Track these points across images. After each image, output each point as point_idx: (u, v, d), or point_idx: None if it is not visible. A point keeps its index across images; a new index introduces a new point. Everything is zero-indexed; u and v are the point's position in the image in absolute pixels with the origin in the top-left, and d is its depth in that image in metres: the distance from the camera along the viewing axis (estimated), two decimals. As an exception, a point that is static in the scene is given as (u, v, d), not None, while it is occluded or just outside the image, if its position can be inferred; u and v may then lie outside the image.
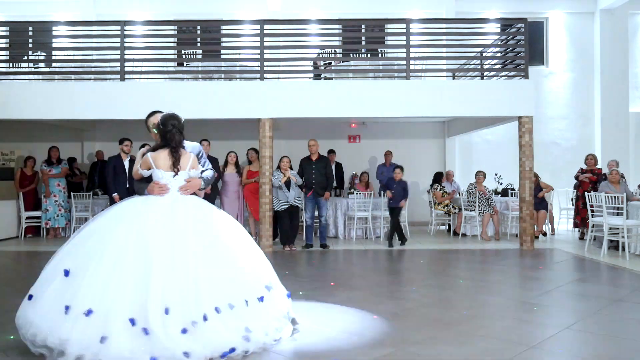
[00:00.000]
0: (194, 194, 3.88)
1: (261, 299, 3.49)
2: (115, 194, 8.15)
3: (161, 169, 3.70)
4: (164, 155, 3.74)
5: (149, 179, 3.78)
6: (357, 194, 9.57)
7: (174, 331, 3.08)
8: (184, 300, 3.18)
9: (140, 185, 3.87)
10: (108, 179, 8.24)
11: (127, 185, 8.32)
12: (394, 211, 8.63)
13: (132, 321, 3.06)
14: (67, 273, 3.26)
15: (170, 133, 3.74)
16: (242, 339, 3.24)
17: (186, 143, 4.03)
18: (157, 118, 3.92)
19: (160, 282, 3.17)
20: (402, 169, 8.81)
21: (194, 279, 3.26)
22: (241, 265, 3.53)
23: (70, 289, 3.20)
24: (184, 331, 3.09)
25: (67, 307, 3.13)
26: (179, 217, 3.50)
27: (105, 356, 2.98)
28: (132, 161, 8.49)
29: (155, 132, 3.90)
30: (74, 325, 3.08)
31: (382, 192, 10.23)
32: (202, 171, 4.01)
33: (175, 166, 3.71)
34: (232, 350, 3.17)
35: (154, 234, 3.36)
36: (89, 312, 3.08)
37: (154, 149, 3.80)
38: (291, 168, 8.39)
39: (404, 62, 8.56)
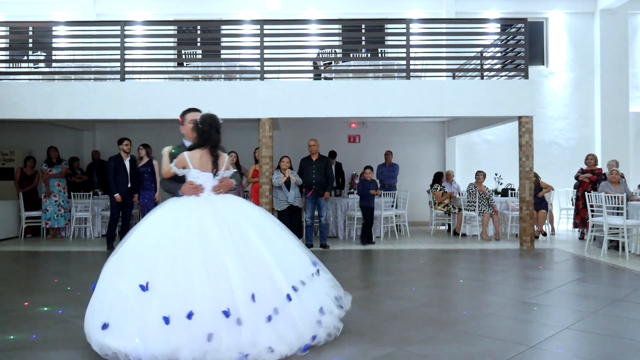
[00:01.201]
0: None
1: (317, 272, 3.70)
2: (117, 194, 8.15)
3: (197, 169, 3.70)
4: (200, 155, 3.73)
5: (180, 179, 3.76)
6: (357, 194, 9.57)
7: (260, 320, 3.14)
8: (265, 286, 3.25)
9: (170, 185, 3.85)
10: (109, 179, 8.25)
11: (129, 185, 8.34)
12: (372, 210, 8.83)
13: (226, 313, 3.08)
14: (144, 288, 3.13)
15: (208, 133, 3.74)
16: (316, 325, 3.42)
17: None
18: (194, 116, 3.92)
19: (238, 274, 3.21)
20: (372, 168, 9.02)
21: (266, 267, 3.34)
22: (292, 247, 3.70)
23: (157, 301, 3.09)
24: (269, 319, 3.18)
25: (165, 318, 3.03)
26: (227, 213, 3.55)
27: (215, 354, 3.00)
28: (132, 161, 8.50)
29: (190, 128, 3.90)
30: (179, 332, 3.02)
31: (381, 191, 10.23)
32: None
33: (215, 166, 3.73)
34: (314, 337, 3.36)
35: (212, 231, 3.37)
36: (190, 315, 3.04)
37: (190, 149, 3.79)
38: (291, 168, 8.39)
39: (404, 62, 8.56)
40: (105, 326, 3.16)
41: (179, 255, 3.24)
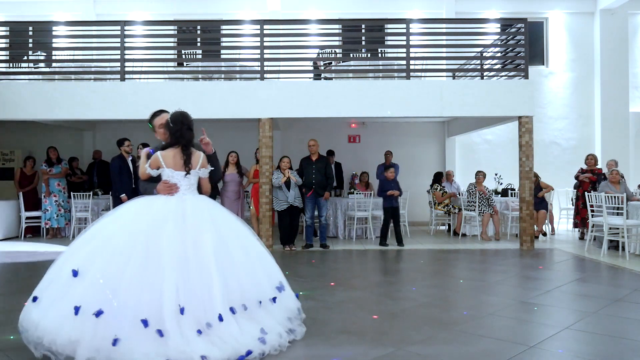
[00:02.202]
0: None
1: (273, 299, 3.51)
2: (124, 194, 8.15)
3: (170, 168, 3.65)
4: (173, 154, 3.68)
5: (157, 179, 3.71)
6: (357, 194, 9.57)
7: (190, 333, 3.01)
8: (199, 300, 3.12)
9: (146, 186, 3.80)
10: (114, 180, 8.24)
11: (133, 186, 8.35)
12: (396, 211, 8.64)
13: (145, 322, 2.97)
14: (75, 273, 3.13)
15: (180, 131, 3.69)
16: (258, 341, 3.21)
17: (196, 143, 3.99)
18: (163, 118, 3.86)
19: (173, 282, 3.10)
20: (395, 167, 8.90)
21: (207, 279, 3.20)
22: (252, 267, 3.50)
23: (79, 289, 3.08)
24: (199, 332, 3.04)
25: (76, 308, 3.01)
26: (189, 217, 3.43)
27: (121, 358, 2.90)
28: (133, 161, 8.50)
29: (162, 131, 3.84)
30: (84, 327, 2.97)
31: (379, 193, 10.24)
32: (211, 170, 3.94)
33: (186, 165, 3.65)
34: (249, 352, 3.12)
35: (165, 233, 3.28)
36: (98, 313, 2.97)
37: (163, 148, 3.73)
38: (291, 168, 8.39)
39: (404, 62, 8.56)
40: (35, 299, 3.23)
41: (120, 251, 3.18)
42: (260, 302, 3.40)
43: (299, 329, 3.66)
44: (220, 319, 3.12)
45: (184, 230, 3.34)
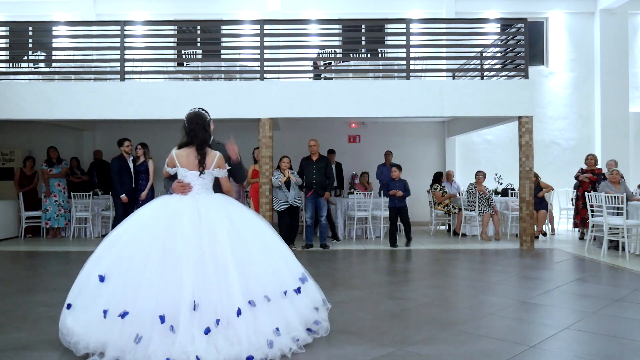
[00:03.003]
0: (221, 191, 3.86)
1: (298, 290, 3.49)
2: (123, 194, 8.15)
3: (184, 167, 3.67)
4: (187, 153, 3.71)
5: (175, 177, 3.75)
6: (357, 193, 9.58)
7: (197, 331, 3.04)
8: (214, 295, 3.15)
9: (167, 184, 3.86)
10: (115, 180, 8.25)
11: (133, 186, 8.36)
12: (401, 211, 8.59)
13: (162, 318, 3.05)
14: (102, 279, 3.27)
15: (194, 131, 3.71)
16: (265, 345, 3.15)
17: (221, 144, 4.05)
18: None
19: (190, 280, 3.15)
20: (399, 167, 8.77)
21: (225, 275, 3.22)
22: (272, 259, 3.51)
23: (106, 293, 3.22)
24: (207, 331, 3.06)
25: (105, 312, 3.15)
26: (204, 214, 3.47)
27: (139, 355, 3.00)
28: (134, 161, 8.51)
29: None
30: (111, 329, 3.10)
31: (381, 192, 10.23)
32: (234, 171, 4.00)
33: (201, 165, 3.66)
34: (249, 358, 3.08)
35: (180, 231, 3.33)
36: (124, 314, 3.09)
37: (179, 147, 3.77)
38: (291, 168, 8.39)
39: (404, 62, 8.56)
40: (69, 306, 3.39)
41: (140, 253, 3.27)
42: (285, 292, 3.38)
43: (324, 323, 3.63)
44: (239, 313, 3.13)
45: (199, 228, 3.37)
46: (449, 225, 10.41)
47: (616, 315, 4.33)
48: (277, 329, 3.24)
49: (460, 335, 3.79)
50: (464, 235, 9.85)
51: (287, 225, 8.25)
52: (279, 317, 3.30)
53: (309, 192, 8.34)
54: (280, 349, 3.21)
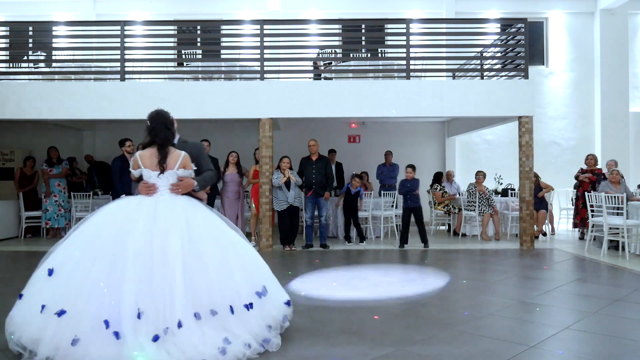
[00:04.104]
0: (189, 194, 3.71)
1: (249, 305, 3.28)
2: (124, 195, 8.13)
3: (148, 168, 3.58)
4: (150, 154, 3.61)
5: (141, 179, 3.66)
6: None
7: (145, 339, 2.94)
8: (159, 304, 3.03)
9: (135, 185, 3.77)
10: (115, 180, 8.24)
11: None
12: (415, 211, 8.48)
13: (107, 323, 2.95)
14: (50, 272, 3.21)
15: (155, 130, 3.61)
16: (217, 352, 3.03)
17: (189, 142, 3.96)
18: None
19: (134, 286, 3.05)
20: (413, 167, 8.66)
21: (171, 283, 3.10)
22: (228, 270, 3.34)
23: (50, 288, 3.15)
24: (156, 338, 2.95)
25: (42, 306, 3.07)
26: (160, 218, 3.35)
27: (77, 358, 2.90)
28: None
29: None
30: (46, 325, 3.01)
31: (381, 192, 10.23)
32: (202, 171, 3.87)
33: (161, 164, 3.55)
34: None
35: (132, 235, 3.23)
36: (61, 313, 3.00)
37: (142, 147, 3.67)
38: (291, 168, 8.39)
39: (404, 62, 8.56)
40: (20, 296, 3.34)
41: (89, 253, 3.21)
42: (232, 307, 3.20)
43: (274, 340, 3.37)
44: (180, 325, 3.00)
45: (152, 232, 3.26)
46: (449, 225, 10.41)
47: (616, 315, 4.33)
48: (226, 337, 3.10)
49: (460, 335, 3.79)
50: (464, 235, 9.85)
51: (287, 225, 8.25)
52: (224, 331, 3.14)
53: (308, 192, 8.34)
54: (235, 355, 3.08)
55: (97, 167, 10.96)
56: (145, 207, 3.43)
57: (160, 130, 3.62)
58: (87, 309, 3.00)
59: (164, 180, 3.57)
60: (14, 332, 3.13)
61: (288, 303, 3.69)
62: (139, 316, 2.98)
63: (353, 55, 10.11)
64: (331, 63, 9.88)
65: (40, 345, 2.98)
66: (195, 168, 3.75)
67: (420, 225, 8.51)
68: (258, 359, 3.24)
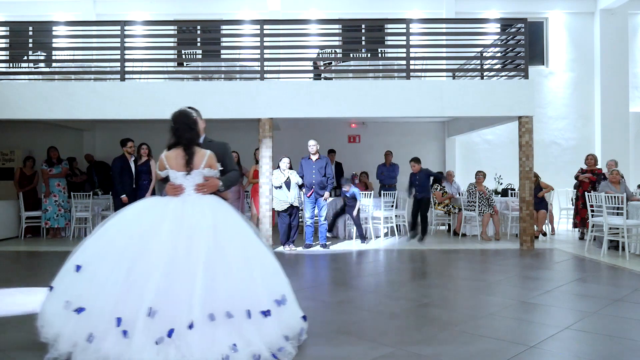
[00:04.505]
0: (215, 194, 3.69)
1: (267, 312, 3.20)
2: (124, 195, 8.15)
3: (174, 169, 3.57)
4: (175, 154, 3.60)
5: (168, 180, 3.65)
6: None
7: (148, 340, 2.92)
8: (175, 304, 3.02)
9: (161, 186, 3.75)
10: (116, 180, 8.24)
11: (134, 186, 8.37)
12: (421, 201, 8.58)
13: (119, 321, 2.98)
14: (78, 268, 3.25)
15: (179, 131, 3.60)
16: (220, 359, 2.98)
17: (214, 142, 3.97)
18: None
19: (154, 285, 3.04)
20: (417, 160, 8.76)
21: (191, 284, 3.08)
22: (250, 275, 3.29)
23: (76, 284, 3.20)
24: (158, 341, 2.92)
25: (67, 302, 3.13)
26: (187, 219, 3.33)
27: (90, 355, 2.95)
28: (135, 161, 8.52)
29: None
30: (67, 321, 3.08)
31: (381, 192, 10.23)
32: (227, 171, 3.86)
33: (188, 165, 3.54)
34: None
35: (158, 235, 3.23)
36: (80, 310, 3.05)
37: (168, 148, 3.66)
38: (291, 168, 8.39)
39: (404, 62, 8.56)
40: (51, 288, 3.38)
41: (114, 252, 3.22)
42: (249, 312, 3.13)
43: (290, 349, 3.28)
44: (191, 326, 2.96)
45: (178, 233, 3.25)
46: (449, 225, 10.41)
47: (616, 315, 4.33)
48: (235, 344, 3.02)
49: (460, 335, 3.79)
50: (464, 235, 9.85)
51: (287, 225, 8.25)
52: (238, 335, 3.07)
53: (308, 192, 8.34)
54: None
55: (97, 167, 10.96)
56: (172, 207, 3.43)
57: (184, 131, 3.60)
58: (104, 306, 3.04)
59: (190, 181, 3.56)
60: (44, 325, 3.20)
61: (304, 318, 3.63)
62: (150, 314, 2.96)
63: (353, 55, 10.11)
64: (331, 63, 9.88)
65: (60, 340, 3.06)
66: (221, 168, 3.74)
67: (424, 217, 8.58)
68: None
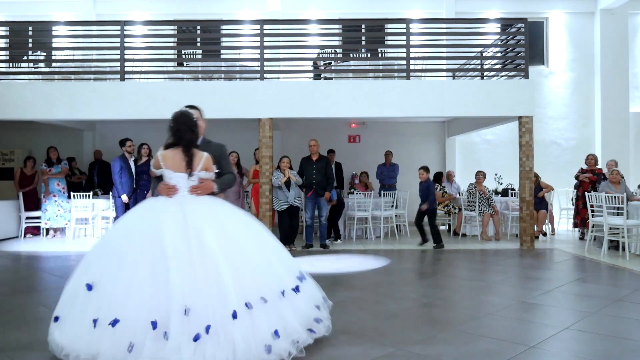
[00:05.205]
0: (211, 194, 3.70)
1: (296, 289, 3.38)
2: (124, 194, 8.16)
3: (170, 169, 3.56)
4: (173, 154, 3.59)
5: (162, 179, 3.65)
6: (357, 193, 9.57)
7: (185, 338, 2.93)
8: (207, 299, 3.04)
9: (154, 185, 3.76)
10: (115, 180, 8.25)
11: (134, 186, 8.38)
12: (426, 214, 8.51)
13: (154, 324, 2.95)
14: (89, 287, 3.16)
15: (179, 131, 3.60)
16: (263, 351, 3.01)
17: (212, 143, 3.98)
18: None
19: (179, 283, 3.04)
20: (426, 169, 8.65)
21: (215, 277, 3.10)
22: (267, 259, 3.41)
23: (95, 302, 3.11)
24: (197, 338, 2.93)
25: (94, 321, 3.03)
26: (190, 216, 3.35)
27: None
28: (135, 161, 8.53)
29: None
30: (102, 338, 3.00)
31: (381, 192, 10.24)
32: (223, 173, 3.85)
33: (188, 166, 3.54)
34: None
35: (168, 236, 3.22)
36: (114, 322, 2.98)
37: (165, 147, 3.65)
38: (291, 168, 8.39)
39: (404, 62, 8.56)
40: (56, 319, 3.27)
41: (128, 259, 3.17)
42: (283, 292, 3.28)
43: (326, 321, 3.54)
44: (235, 315, 3.00)
45: (186, 230, 3.26)
46: (449, 225, 10.41)
47: (616, 315, 4.33)
48: (276, 331, 3.10)
49: (460, 335, 3.79)
50: (464, 235, 9.85)
51: (287, 225, 8.25)
52: (277, 318, 3.17)
53: (308, 192, 8.34)
54: (279, 354, 3.07)
55: (98, 167, 10.95)
56: (172, 207, 3.42)
57: (184, 132, 3.60)
58: (138, 313, 2.99)
59: (187, 182, 3.56)
60: (69, 353, 3.07)
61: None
62: (186, 312, 2.96)
63: (353, 55, 10.11)
64: (331, 63, 9.88)
65: (100, 358, 2.96)
66: (217, 170, 3.74)
67: (432, 225, 8.52)
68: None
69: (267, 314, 3.14)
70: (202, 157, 3.63)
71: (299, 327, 3.27)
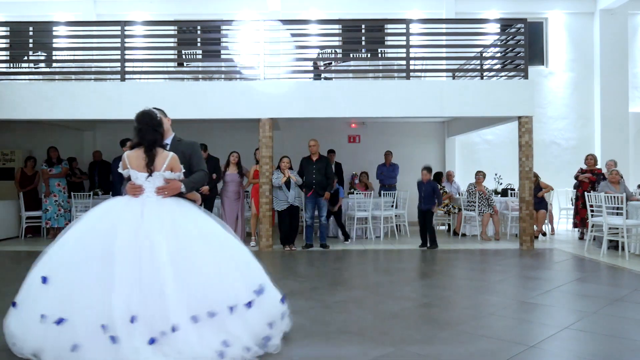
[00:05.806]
0: (181, 196, 3.63)
1: (249, 304, 3.25)
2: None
3: (134, 169, 3.52)
4: (137, 155, 3.55)
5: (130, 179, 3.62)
6: (357, 194, 9.58)
7: (140, 342, 2.91)
8: (152, 309, 3.00)
9: (125, 185, 3.72)
10: (115, 180, 8.25)
11: None
12: (426, 214, 8.41)
13: (104, 327, 2.94)
14: (44, 280, 3.17)
15: (142, 131, 3.55)
16: (216, 355, 3.00)
17: (183, 141, 3.91)
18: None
19: (123, 289, 3.01)
20: (429, 169, 8.56)
21: (161, 286, 3.05)
22: (223, 270, 3.30)
23: (46, 296, 3.12)
24: (152, 341, 2.92)
25: (42, 316, 3.05)
26: (147, 220, 3.29)
27: None
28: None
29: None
30: (46, 334, 3.00)
31: (381, 192, 10.24)
32: (194, 171, 3.79)
33: (148, 166, 3.48)
34: None
35: (119, 237, 3.18)
36: (60, 321, 2.98)
37: (131, 148, 3.62)
38: (291, 168, 8.39)
39: (403, 62, 8.56)
40: (14, 304, 3.32)
41: (80, 258, 3.16)
42: (232, 307, 3.16)
43: (275, 340, 3.34)
44: (174, 329, 2.97)
45: (137, 233, 3.21)
46: (449, 225, 10.41)
47: (616, 315, 4.34)
48: (225, 341, 3.06)
49: (460, 335, 3.79)
50: (464, 235, 9.86)
51: (287, 225, 8.25)
52: (225, 332, 3.10)
53: (308, 192, 8.34)
54: (233, 358, 3.04)
55: (99, 167, 10.95)
56: (131, 208, 3.39)
57: (146, 132, 3.54)
58: (84, 314, 2.98)
59: (150, 182, 3.51)
60: (15, 342, 3.13)
61: (282, 300, 3.64)
62: (132, 320, 2.95)
63: (353, 55, 10.11)
64: (331, 63, 9.88)
65: (43, 353, 2.98)
66: (184, 170, 3.67)
67: (429, 228, 8.43)
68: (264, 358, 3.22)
69: (213, 329, 3.08)
70: (167, 157, 3.57)
71: (248, 339, 3.18)
